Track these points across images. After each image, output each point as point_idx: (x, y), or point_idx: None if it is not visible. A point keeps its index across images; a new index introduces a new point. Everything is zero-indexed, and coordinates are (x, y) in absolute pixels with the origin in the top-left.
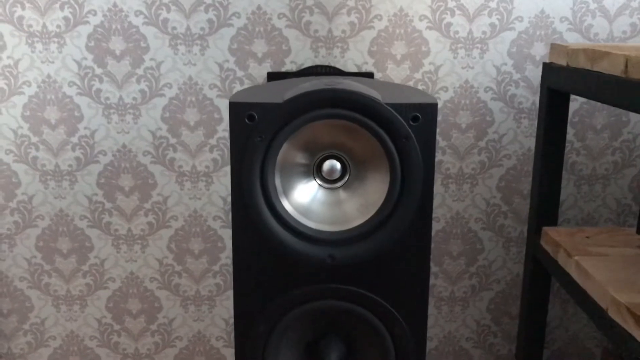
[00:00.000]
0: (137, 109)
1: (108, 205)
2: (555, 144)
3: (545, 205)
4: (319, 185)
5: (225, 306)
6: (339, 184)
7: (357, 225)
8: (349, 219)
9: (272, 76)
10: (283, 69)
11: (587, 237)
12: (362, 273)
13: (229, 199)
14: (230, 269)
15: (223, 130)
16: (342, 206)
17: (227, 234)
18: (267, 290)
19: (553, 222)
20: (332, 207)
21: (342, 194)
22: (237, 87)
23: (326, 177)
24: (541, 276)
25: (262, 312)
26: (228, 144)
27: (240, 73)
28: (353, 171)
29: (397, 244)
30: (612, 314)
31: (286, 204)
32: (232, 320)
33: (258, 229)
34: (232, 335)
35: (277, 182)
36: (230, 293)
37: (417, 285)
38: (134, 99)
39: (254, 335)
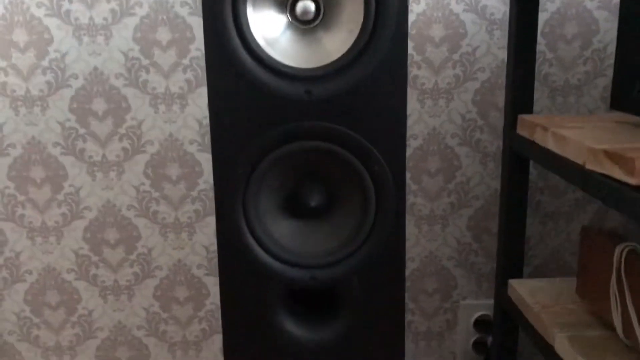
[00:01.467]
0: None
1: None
2: (527, 53)
3: (521, 97)
4: (292, 23)
5: (205, 233)
6: (313, 24)
7: (333, 60)
8: (325, 56)
9: None
10: None
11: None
12: (339, 109)
13: (205, 121)
14: (210, 195)
15: (196, 49)
16: (317, 44)
17: (204, 158)
18: (244, 133)
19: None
20: (307, 45)
21: (317, 32)
22: None
23: (300, 18)
24: (518, 170)
25: (240, 156)
26: (201, 63)
27: None
28: (327, 9)
29: (374, 76)
30: (590, 165)
31: (260, 40)
32: (212, 247)
33: (232, 65)
34: (214, 262)
35: (249, 13)
36: (210, 219)
37: (393, 120)
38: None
39: (233, 179)
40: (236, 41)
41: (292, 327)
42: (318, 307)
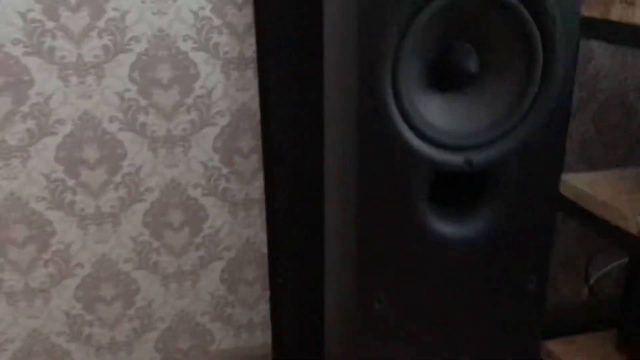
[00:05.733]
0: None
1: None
2: None
3: None
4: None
5: None
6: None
7: None
8: None
9: None
10: None
11: None
12: None
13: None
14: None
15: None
16: None
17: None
18: None
19: None
20: None
21: None
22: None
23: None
24: None
25: (390, 13)
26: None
27: None
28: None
29: None
30: None
31: None
32: None
33: None
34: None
35: None
36: None
37: None
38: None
39: (381, 42)
40: None
41: (436, 221)
42: (463, 196)
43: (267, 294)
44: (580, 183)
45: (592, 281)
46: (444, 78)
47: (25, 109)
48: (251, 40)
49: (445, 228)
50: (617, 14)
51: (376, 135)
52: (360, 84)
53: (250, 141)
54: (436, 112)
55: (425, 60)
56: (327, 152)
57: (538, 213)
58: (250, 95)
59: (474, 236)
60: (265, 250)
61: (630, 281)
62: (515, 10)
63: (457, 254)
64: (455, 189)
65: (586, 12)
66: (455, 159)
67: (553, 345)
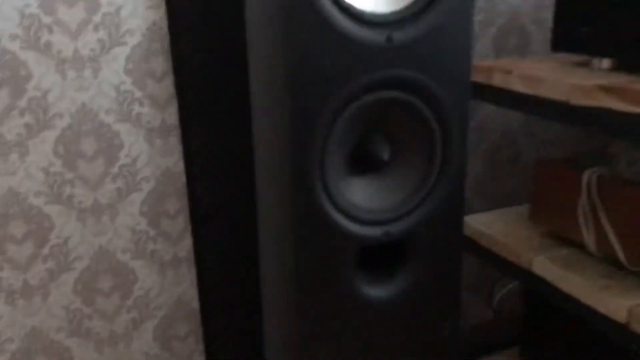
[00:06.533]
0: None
1: None
2: None
3: None
4: None
5: None
6: None
7: (410, 3)
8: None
9: None
10: None
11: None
12: (415, 55)
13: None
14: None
15: (108, 3)
16: None
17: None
18: (324, 83)
19: None
20: None
21: None
22: None
23: None
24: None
25: (321, 109)
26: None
27: None
28: None
29: (445, 23)
30: (578, 100)
31: None
32: None
33: (314, 11)
34: None
35: None
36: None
37: (459, 66)
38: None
39: (311, 136)
40: None
41: (362, 284)
42: (379, 262)
43: (201, 347)
44: (479, 224)
45: (495, 303)
46: (362, 164)
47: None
48: (172, 109)
49: (371, 290)
50: (498, 80)
51: (308, 216)
52: (293, 176)
53: (176, 203)
54: (357, 192)
55: (346, 150)
56: (261, 220)
57: (445, 269)
58: (174, 161)
59: (395, 295)
60: (196, 306)
61: (529, 303)
62: (418, 109)
63: (382, 311)
64: (377, 255)
65: (473, 77)
66: (375, 232)
67: None
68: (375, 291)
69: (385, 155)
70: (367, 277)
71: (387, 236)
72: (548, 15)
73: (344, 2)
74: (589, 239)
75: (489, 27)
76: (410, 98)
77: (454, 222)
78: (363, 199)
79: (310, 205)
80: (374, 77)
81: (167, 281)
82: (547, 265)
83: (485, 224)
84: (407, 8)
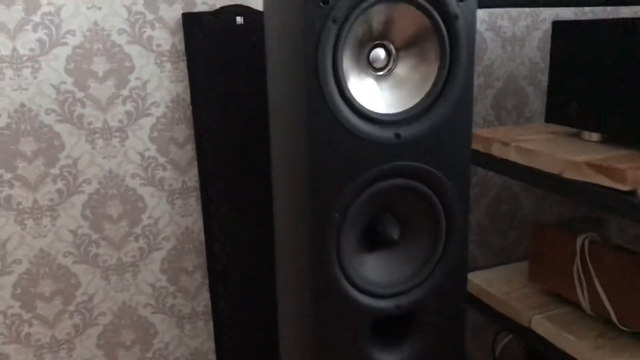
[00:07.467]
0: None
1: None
2: None
3: None
4: (370, 71)
5: None
6: (384, 71)
7: (414, 104)
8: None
9: (187, 17)
10: (195, 9)
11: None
12: (420, 148)
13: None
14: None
15: (135, 78)
16: (393, 90)
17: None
18: (341, 176)
19: None
20: (386, 91)
21: (390, 79)
22: (148, 32)
23: (372, 65)
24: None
25: (336, 198)
26: (141, 94)
27: (150, 16)
28: (400, 56)
29: (448, 119)
30: (570, 174)
31: (352, 88)
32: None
33: (332, 114)
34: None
35: (345, 66)
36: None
37: (460, 156)
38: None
39: (329, 223)
40: (336, 94)
41: (374, 350)
42: (389, 329)
43: None
44: (481, 280)
45: (497, 352)
46: (374, 242)
47: None
48: (192, 172)
49: (382, 356)
50: (496, 150)
51: (325, 291)
52: (311, 255)
53: (195, 260)
54: (369, 268)
55: (359, 230)
56: (279, 287)
57: (450, 334)
58: (193, 219)
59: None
60: (213, 359)
61: (530, 353)
62: (424, 193)
63: None
64: (390, 324)
65: (473, 146)
66: (387, 304)
67: None
68: (386, 356)
69: (395, 234)
70: (378, 344)
71: (398, 309)
72: (543, 77)
73: (359, 105)
74: (584, 299)
75: (488, 90)
76: (416, 185)
77: (458, 290)
78: (375, 274)
79: (327, 280)
80: (385, 168)
81: (184, 334)
82: (544, 324)
83: (487, 281)
84: (412, 108)
